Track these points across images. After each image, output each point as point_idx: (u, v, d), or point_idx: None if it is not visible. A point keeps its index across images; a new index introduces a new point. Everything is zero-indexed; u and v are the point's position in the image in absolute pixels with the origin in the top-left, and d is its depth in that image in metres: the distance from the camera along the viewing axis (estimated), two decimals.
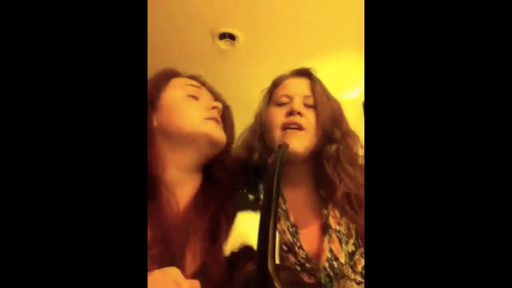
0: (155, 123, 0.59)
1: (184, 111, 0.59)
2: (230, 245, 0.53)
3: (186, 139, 0.58)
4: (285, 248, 0.69)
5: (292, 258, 0.69)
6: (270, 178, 0.32)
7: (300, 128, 0.72)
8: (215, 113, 0.62)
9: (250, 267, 0.50)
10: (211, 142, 0.60)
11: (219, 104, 0.62)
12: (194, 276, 0.51)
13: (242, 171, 0.77)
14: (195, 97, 0.62)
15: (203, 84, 0.69)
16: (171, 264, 0.48)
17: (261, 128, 0.78)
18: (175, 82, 0.63)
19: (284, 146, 0.35)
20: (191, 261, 0.52)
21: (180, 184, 0.59)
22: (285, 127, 0.72)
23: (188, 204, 0.58)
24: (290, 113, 0.72)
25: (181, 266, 0.50)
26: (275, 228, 0.31)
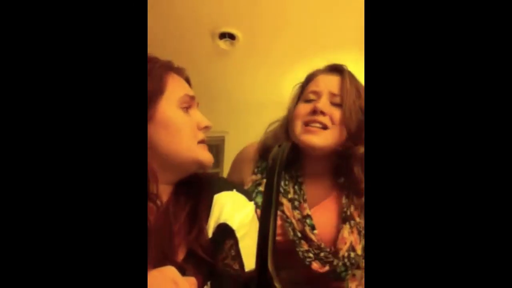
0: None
1: (177, 133, 0.55)
2: (212, 227, 0.55)
3: (175, 162, 0.56)
4: (299, 234, 0.72)
5: (305, 245, 0.72)
6: (271, 177, 0.32)
7: (324, 127, 0.73)
8: (205, 134, 0.60)
9: (229, 243, 0.53)
10: (201, 166, 0.58)
11: (210, 124, 0.60)
12: (184, 261, 0.52)
13: (264, 158, 0.81)
14: (187, 109, 0.58)
15: (187, 80, 0.64)
16: (162, 254, 0.49)
17: (287, 121, 0.81)
18: (171, 92, 0.58)
19: (284, 145, 0.35)
20: (180, 249, 0.52)
21: (161, 192, 0.57)
22: (307, 124, 0.74)
23: (168, 197, 0.58)
24: (314, 111, 0.73)
25: (171, 255, 0.51)
26: (275, 228, 0.31)
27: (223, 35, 2.12)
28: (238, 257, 0.53)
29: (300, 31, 2.06)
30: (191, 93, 0.59)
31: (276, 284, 0.29)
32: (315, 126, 0.73)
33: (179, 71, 0.62)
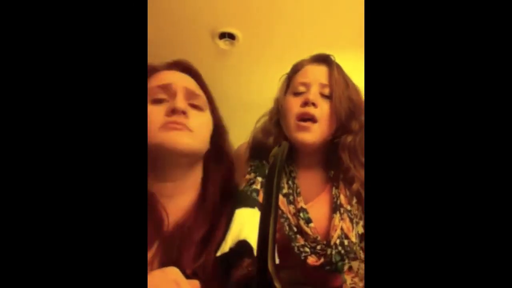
0: None
1: (148, 126, 0.54)
2: (230, 241, 0.53)
3: (150, 152, 0.54)
4: (295, 229, 0.72)
5: (301, 240, 0.71)
6: (271, 177, 0.32)
7: (313, 120, 0.73)
8: (176, 118, 0.55)
9: (247, 262, 0.50)
10: (175, 151, 0.54)
11: (179, 105, 0.55)
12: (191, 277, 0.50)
13: (255, 154, 0.80)
14: (160, 100, 0.57)
15: (188, 69, 0.63)
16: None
17: (277, 114, 0.81)
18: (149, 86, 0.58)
19: (284, 145, 0.35)
20: (187, 264, 0.51)
21: (173, 195, 0.57)
22: (299, 118, 0.73)
23: (186, 213, 0.57)
24: (305, 103, 0.73)
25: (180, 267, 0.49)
26: (275, 228, 0.31)
27: (223, 35, 2.12)
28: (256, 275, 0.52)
29: (300, 31, 2.06)
30: (163, 82, 0.57)
31: (276, 284, 0.29)
32: (307, 121, 0.73)
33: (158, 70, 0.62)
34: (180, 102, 0.56)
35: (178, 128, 0.54)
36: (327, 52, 0.82)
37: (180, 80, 0.60)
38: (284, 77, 0.84)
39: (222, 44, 2.18)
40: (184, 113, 0.55)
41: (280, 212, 0.74)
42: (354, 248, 0.71)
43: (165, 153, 0.54)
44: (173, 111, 0.55)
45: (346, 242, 0.70)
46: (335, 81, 0.74)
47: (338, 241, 0.70)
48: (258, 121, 0.86)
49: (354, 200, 0.74)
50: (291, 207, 0.75)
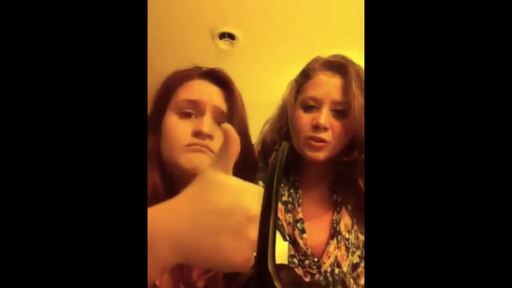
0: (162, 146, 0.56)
1: (169, 139, 0.55)
2: None
3: (171, 166, 0.55)
4: (288, 238, 0.70)
5: (292, 250, 0.70)
6: (271, 177, 0.32)
7: (324, 142, 0.69)
8: (201, 141, 0.54)
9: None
10: (193, 174, 0.55)
11: (205, 130, 0.54)
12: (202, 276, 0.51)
13: (262, 158, 0.77)
14: (188, 114, 0.57)
15: (222, 82, 0.62)
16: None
17: (286, 126, 0.76)
18: (176, 98, 0.58)
19: (285, 145, 0.35)
20: (199, 276, 0.50)
21: None
22: (309, 138, 0.70)
23: None
24: (316, 126, 0.68)
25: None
26: (275, 228, 0.31)
27: (222, 35, 2.12)
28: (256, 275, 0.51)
29: (301, 31, 2.06)
30: (193, 97, 0.57)
31: (276, 284, 0.29)
32: (318, 142, 0.69)
33: (190, 75, 0.62)
34: (207, 126, 0.55)
35: (201, 150, 0.54)
36: (327, 51, 0.78)
37: (211, 97, 0.58)
38: (292, 83, 0.78)
39: (222, 44, 2.19)
40: (209, 136, 0.55)
41: None
42: (345, 278, 0.68)
43: (184, 172, 0.54)
44: (199, 134, 0.54)
45: (337, 270, 0.67)
46: (353, 95, 0.66)
47: (329, 269, 0.67)
48: (266, 123, 0.82)
49: (354, 228, 0.71)
50: (288, 216, 0.72)
